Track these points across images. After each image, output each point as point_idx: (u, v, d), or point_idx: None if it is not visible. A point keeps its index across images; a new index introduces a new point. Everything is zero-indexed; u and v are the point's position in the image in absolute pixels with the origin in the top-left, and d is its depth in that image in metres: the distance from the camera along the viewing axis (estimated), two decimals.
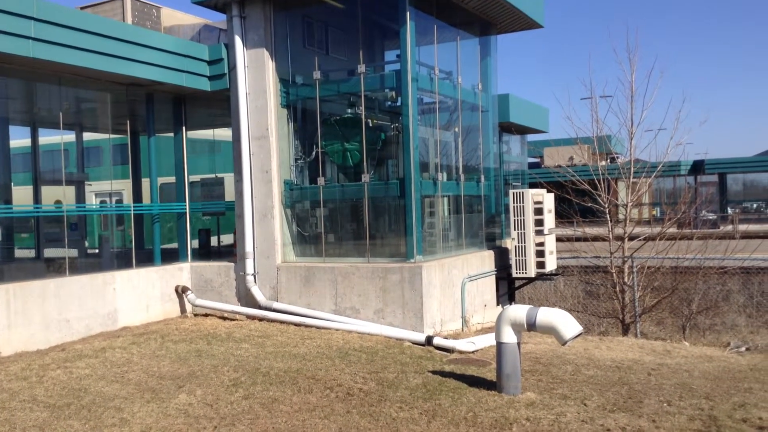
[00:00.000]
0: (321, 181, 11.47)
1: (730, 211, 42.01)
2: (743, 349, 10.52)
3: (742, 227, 31.90)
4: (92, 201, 16.51)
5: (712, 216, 35.74)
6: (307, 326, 10.36)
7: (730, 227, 28.41)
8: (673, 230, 14.53)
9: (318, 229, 11.87)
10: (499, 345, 6.87)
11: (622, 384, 7.33)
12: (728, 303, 14.16)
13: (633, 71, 13.67)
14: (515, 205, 12.04)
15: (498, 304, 12.23)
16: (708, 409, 6.34)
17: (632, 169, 13.83)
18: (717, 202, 41.14)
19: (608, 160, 19.60)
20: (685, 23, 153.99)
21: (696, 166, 42.09)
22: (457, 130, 12.91)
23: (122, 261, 12.03)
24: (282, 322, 10.65)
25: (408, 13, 10.67)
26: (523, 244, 11.98)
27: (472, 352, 8.95)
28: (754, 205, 46.77)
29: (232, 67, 11.54)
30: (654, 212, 36.58)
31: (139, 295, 11.15)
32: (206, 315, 11.70)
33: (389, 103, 12.15)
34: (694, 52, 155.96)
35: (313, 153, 11.86)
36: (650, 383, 7.38)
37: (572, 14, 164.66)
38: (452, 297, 10.86)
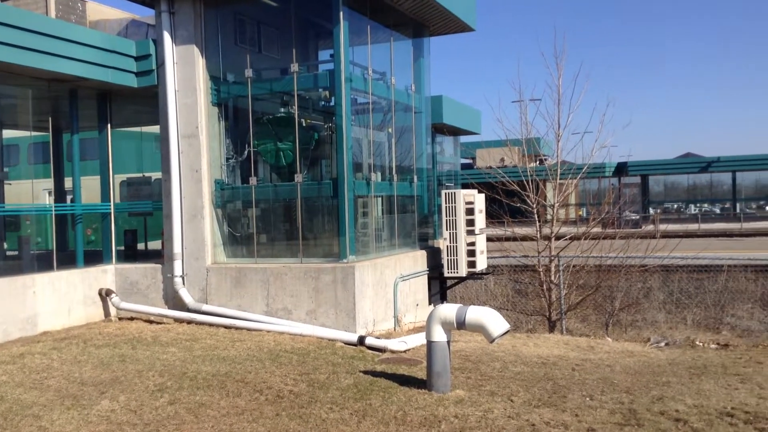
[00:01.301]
0: (253, 180, 11.33)
1: (651, 211, 43.81)
2: (663, 344, 10.97)
3: (663, 227, 33.36)
4: (46, 200, 15.68)
5: (635, 216, 37.20)
6: (237, 328, 10.21)
7: (651, 227, 29.60)
8: (597, 230, 15.03)
9: (250, 229, 11.72)
10: (429, 344, 6.95)
11: (548, 379, 7.53)
12: (649, 300, 14.75)
13: (560, 75, 14.08)
14: (447, 205, 12.21)
15: (430, 304, 12.37)
16: (628, 403, 6.59)
17: (559, 170, 14.24)
18: (639, 203, 42.85)
19: (537, 162, 20.08)
20: (610, 28, 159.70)
21: (620, 167, 43.69)
22: (390, 130, 13.00)
23: (43, 263, 11.55)
24: (211, 324, 10.46)
25: (341, 13, 10.66)
26: (454, 244, 12.16)
27: (404, 351, 9.01)
28: (675, 206, 48.90)
29: (161, 64, 11.26)
30: (581, 212, 37.79)
31: (60, 299, 10.73)
32: (132, 319, 11.37)
33: (323, 102, 12.12)
34: (619, 57, 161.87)
35: (245, 152, 11.71)
36: (574, 378, 7.61)
37: (503, 18, 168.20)
38: (385, 297, 10.92)
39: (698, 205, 47.74)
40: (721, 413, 6.27)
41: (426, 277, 12.54)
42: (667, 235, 23.03)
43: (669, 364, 8.63)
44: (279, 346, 9.08)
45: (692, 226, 38.21)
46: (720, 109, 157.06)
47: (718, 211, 46.10)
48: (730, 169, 44.15)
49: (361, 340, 9.33)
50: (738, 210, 43.85)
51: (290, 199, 11.42)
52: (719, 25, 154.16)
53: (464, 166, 36.16)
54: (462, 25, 13.77)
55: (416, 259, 12.31)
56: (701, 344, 10.91)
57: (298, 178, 10.99)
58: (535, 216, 14.24)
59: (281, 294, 10.42)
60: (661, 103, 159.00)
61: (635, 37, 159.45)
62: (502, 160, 30.42)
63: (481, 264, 12.57)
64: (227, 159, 11.81)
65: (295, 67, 11.05)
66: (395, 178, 12.50)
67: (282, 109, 11.88)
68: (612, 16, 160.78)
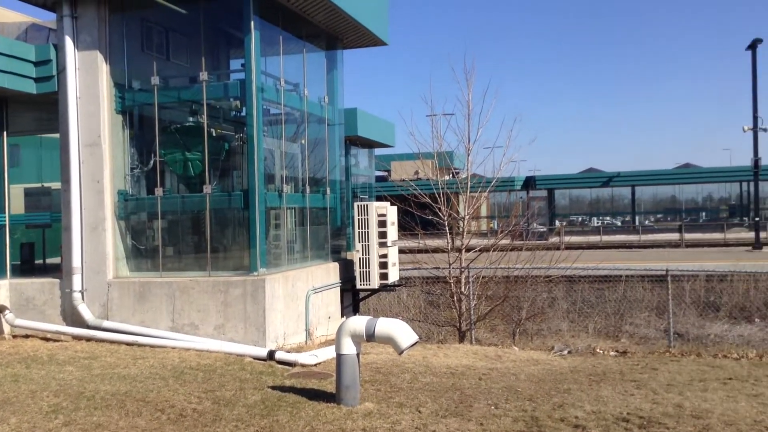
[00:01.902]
0: (159, 191, 10.98)
1: (557, 223, 45.52)
2: (565, 352, 11.38)
3: (568, 239, 34.73)
4: None
5: (542, 228, 38.53)
6: (140, 345, 9.82)
7: (557, 239, 30.71)
8: (506, 241, 15.45)
9: (155, 242, 11.33)
10: (339, 356, 6.92)
11: (455, 389, 7.65)
12: (554, 309, 15.28)
13: (470, 91, 14.40)
14: (360, 217, 12.25)
15: (343, 316, 12.33)
16: (531, 410, 6.78)
17: (469, 183, 14.54)
18: (546, 216, 44.47)
19: (450, 175, 20.50)
20: (519, 45, 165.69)
21: (528, 181, 45.23)
22: (303, 142, 12.94)
23: None
24: (113, 341, 10.01)
25: (253, 22, 10.55)
26: (367, 256, 12.20)
27: (315, 365, 8.94)
28: (579, 219, 51.06)
29: (62, 70, 10.78)
30: (492, 225, 38.81)
31: None
32: (27, 336, 10.74)
33: (234, 112, 11.93)
34: (527, 74, 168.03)
35: (152, 162, 11.33)
36: (480, 387, 7.76)
37: (416, 33, 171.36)
38: (296, 310, 10.81)
39: (600, 217, 50.05)
40: (617, 419, 6.54)
41: (339, 289, 12.51)
42: (570, 247, 23.98)
43: (571, 372, 8.94)
44: (184, 363, 8.80)
45: (594, 238, 39.98)
46: (620, 125, 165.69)
47: (619, 223, 48.47)
48: (630, 184, 46.55)
49: (271, 355, 9.18)
50: (637, 223, 46.26)
51: (199, 210, 11.15)
52: (615, 49, 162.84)
53: (380, 179, 36.49)
54: (374, 39, 13.91)
55: (329, 272, 12.26)
56: (601, 352, 11.39)
57: (207, 189, 10.75)
58: (447, 228, 14.49)
59: (188, 309, 10.12)
60: (568, 118, 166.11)
61: (545, 54, 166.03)
62: (417, 173, 30.85)
63: (394, 276, 12.67)
64: (132, 169, 11.41)
65: (204, 75, 10.83)
66: (308, 190, 12.44)
67: (191, 118, 11.59)
68: (523, 33, 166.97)
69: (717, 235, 39.52)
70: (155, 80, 11.04)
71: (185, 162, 11.18)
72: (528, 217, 20.82)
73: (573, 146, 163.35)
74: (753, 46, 33.01)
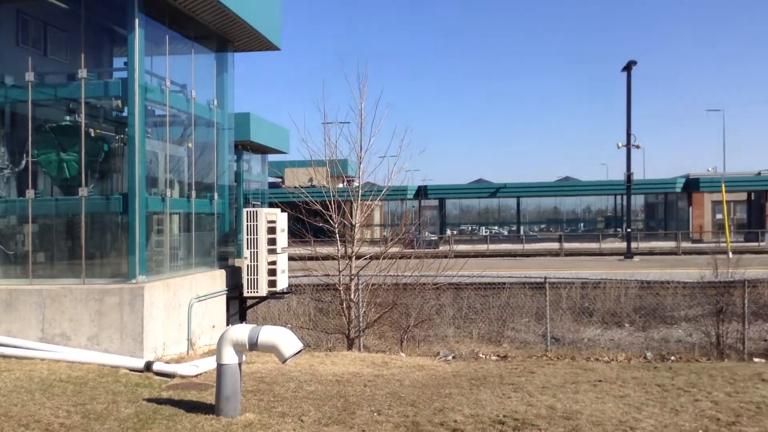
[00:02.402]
0: (30, 193, 10.29)
1: (448, 232, 46.74)
2: (450, 357, 11.66)
3: (457, 247, 35.71)
4: None
5: (433, 237, 39.45)
6: (5, 357, 9.13)
7: (446, 247, 31.50)
8: (396, 249, 15.66)
9: (25, 247, 10.60)
10: (220, 366, 6.74)
11: (340, 397, 7.65)
12: (441, 316, 15.63)
13: (363, 100, 14.51)
14: (249, 224, 12.03)
15: (228, 325, 12.03)
16: (412, 416, 6.88)
17: (360, 191, 14.64)
18: (437, 224, 45.55)
19: (343, 183, 20.55)
20: (410, 55, 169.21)
21: (420, 191, 46.14)
22: (190, 145, 12.54)
23: None
24: None
25: (137, 20, 10.14)
26: (255, 263, 11.99)
27: (195, 375, 8.66)
28: (469, 228, 52.65)
29: None
30: (384, 233, 39.27)
31: None
32: None
33: (115, 112, 11.40)
34: (419, 87, 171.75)
35: (23, 162, 10.62)
36: (365, 394, 7.80)
37: (310, 39, 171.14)
38: (178, 319, 10.44)
39: (489, 227, 51.84)
40: (494, 421, 6.77)
41: (225, 297, 12.20)
42: (459, 255, 24.64)
43: (453, 376, 9.17)
44: (53, 375, 8.27)
45: (482, 247, 41.37)
46: (509, 138, 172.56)
47: (505, 233, 50.38)
48: (515, 195, 48.56)
49: (149, 366, 8.81)
50: (522, 232, 48.26)
51: (74, 214, 10.54)
52: (500, 66, 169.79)
53: (273, 186, 36.04)
54: (267, 44, 13.74)
55: (215, 279, 11.94)
56: (484, 356, 11.76)
57: (83, 191, 10.19)
58: (338, 236, 14.50)
59: (59, 318, 9.53)
60: (457, 134, 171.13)
61: (436, 70, 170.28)
62: (311, 180, 30.72)
63: (282, 283, 12.52)
64: (1, 169, 10.65)
65: (83, 72, 10.28)
66: (194, 195, 12.06)
67: (68, 118, 10.96)
68: (416, 48, 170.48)
69: (593, 245, 41.95)
70: (30, 76, 10.36)
71: (60, 163, 10.56)
72: (419, 226, 21.23)
73: (464, 158, 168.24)
74: (628, 68, 35.36)
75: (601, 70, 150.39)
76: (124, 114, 10.67)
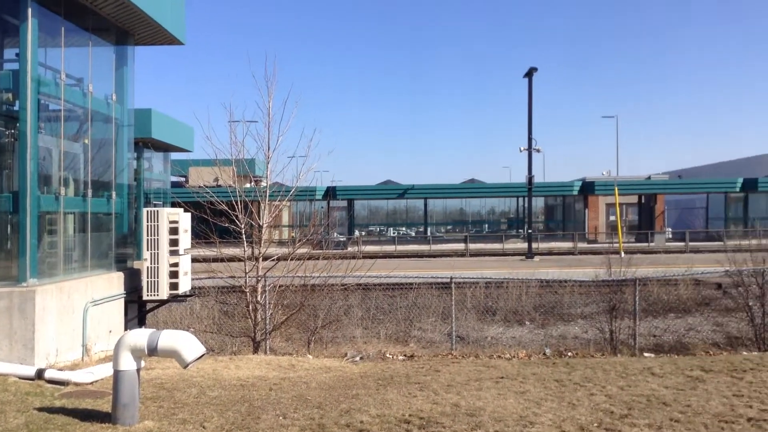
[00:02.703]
0: None
1: (357, 233, 46.88)
2: (358, 358, 11.69)
3: (365, 248, 35.90)
4: None
5: (341, 238, 39.48)
6: None
7: (355, 248, 31.59)
8: (304, 250, 15.53)
9: None
10: (116, 373, 6.45)
11: (244, 402, 7.50)
12: (349, 316, 15.63)
13: (270, 98, 14.30)
14: (149, 224, 11.60)
15: (126, 329, 11.55)
16: (318, 418, 6.84)
17: (268, 192, 14.42)
18: (346, 225, 45.61)
19: (252, 183, 20.18)
20: (319, 56, 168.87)
21: (329, 191, 46.08)
22: (87, 142, 11.96)
23: None
24: None
25: (29, 9, 9.59)
26: (156, 265, 11.58)
27: (91, 383, 8.26)
28: (377, 229, 53.00)
29: None
30: (293, 234, 38.93)
31: None
32: None
33: (6, 106, 10.71)
34: (328, 86, 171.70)
35: None
36: (270, 398, 7.69)
37: (217, 34, 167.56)
38: (72, 324, 9.92)
39: (397, 228, 52.39)
40: (400, 420, 6.83)
41: (123, 301, 11.71)
42: (367, 256, 24.80)
43: (361, 377, 9.19)
44: None
45: (390, 248, 41.78)
46: (417, 140, 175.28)
47: (413, 234, 51.05)
48: (423, 196, 49.31)
49: (40, 374, 8.32)
50: (429, 233, 49.07)
51: None
52: (410, 70, 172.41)
53: (177, 185, 34.94)
54: (170, 38, 13.30)
55: (112, 282, 11.44)
56: (391, 356, 11.87)
57: None
58: (244, 237, 14.22)
59: None
60: (366, 135, 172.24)
61: (347, 70, 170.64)
62: (216, 179, 29.98)
63: (185, 286, 12.15)
64: None
65: None
66: (90, 193, 11.51)
67: None
68: (329, 55, 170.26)
69: (497, 246, 43.23)
70: None
71: None
72: (327, 227, 21.16)
73: (373, 159, 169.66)
74: (529, 75, 36.65)
75: (504, 77, 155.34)
76: (16, 108, 10.06)
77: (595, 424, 6.85)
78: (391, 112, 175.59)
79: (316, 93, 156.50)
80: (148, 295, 11.61)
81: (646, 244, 43.97)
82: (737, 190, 48.36)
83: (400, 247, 42.41)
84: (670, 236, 46.55)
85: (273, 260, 14.40)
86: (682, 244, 42.18)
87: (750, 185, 47.70)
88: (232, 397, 7.72)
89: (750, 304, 13.12)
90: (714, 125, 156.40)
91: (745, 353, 11.56)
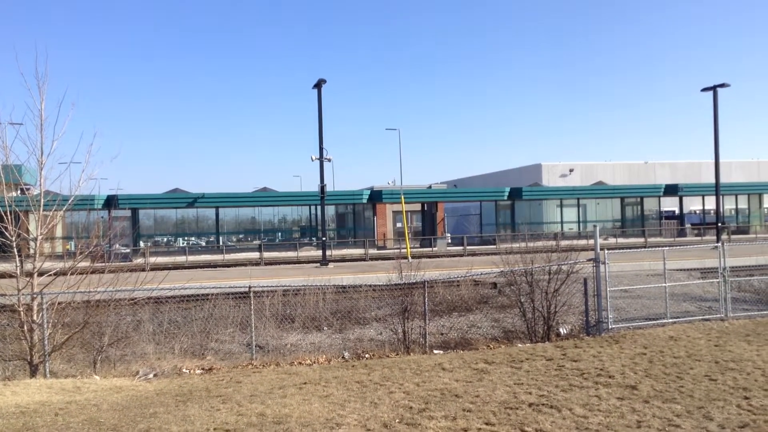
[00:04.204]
0: None
1: (142, 244, 44.30)
2: (151, 375, 11.08)
3: (153, 260, 34.08)
4: None
5: (125, 249, 37.03)
6: None
7: (142, 260, 29.87)
8: (86, 264, 14.34)
9: None
10: None
11: (27, 429, 6.77)
12: (139, 332, 14.70)
13: (42, 99, 13.05)
14: None
15: None
16: None
17: (42, 201, 13.13)
18: (130, 236, 42.87)
19: (20, 191, 18.19)
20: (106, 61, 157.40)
21: (110, 200, 43.06)
22: None
23: None
24: None
25: None
26: None
27: None
28: (165, 239, 50.50)
29: None
30: (68, 246, 35.76)
31: None
32: None
33: None
34: (113, 90, 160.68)
35: None
36: (57, 424, 7.03)
37: None
38: None
39: (186, 238, 50.35)
40: None
41: None
42: (157, 268, 23.55)
43: (157, 395, 8.74)
44: None
45: (181, 258, 40.10)
46: (207, 149, 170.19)
47: (204, 243, 49.41)
48: (214, 205, 47.99)
49: None
50: (221, 243, 47.86)
51: None
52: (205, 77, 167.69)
53: None
54: None
55: None
56: (188, 371, 11.42)
57: None
58: (16, 250, 12.79)
59: None
60: (153, 144, 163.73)
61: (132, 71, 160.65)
62: None
63: None
64: None
65: None
66: None
67: None
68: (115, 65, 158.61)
69: (291, 254, 43.46)
70: None
71: None
72: (110, 238, 19.76)
73: (160, 167, 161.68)
74: (318, 86, 37.36)
75: (299, 86, 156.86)
76: None
77: (397, 420, 7.20)
78: (179, 122, 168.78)
79: (98, 93, 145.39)
80: None
81: (430, 249, 46.96)
82: (505, 198, 53.57)
83: (192, 258, 40.89)
84: (450, 241, 50.16)
85: (51, 275, 13.14)
86: (461, 248, 45.69)
87: (516, 194, 53.12)
88: (12, 425, 6.92)
89: (522, 300, 14.56)
90: (485, 139, 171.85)
91: (520, 345, 12.84)
